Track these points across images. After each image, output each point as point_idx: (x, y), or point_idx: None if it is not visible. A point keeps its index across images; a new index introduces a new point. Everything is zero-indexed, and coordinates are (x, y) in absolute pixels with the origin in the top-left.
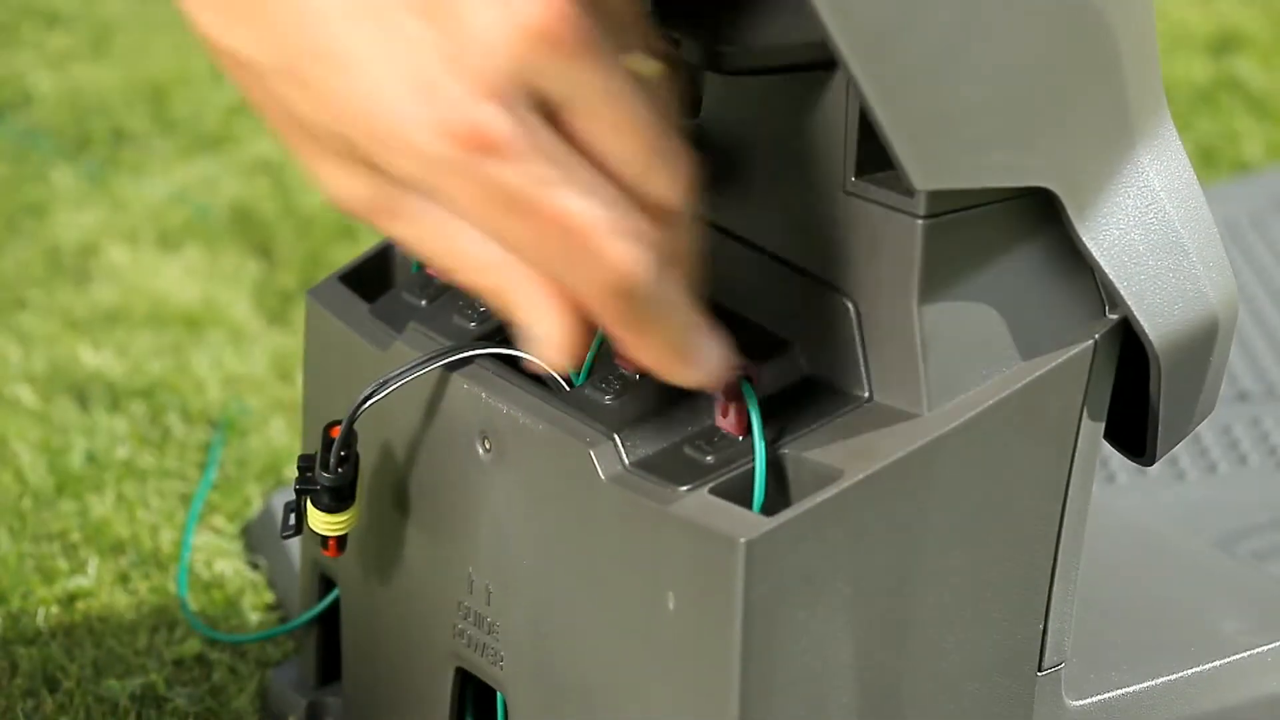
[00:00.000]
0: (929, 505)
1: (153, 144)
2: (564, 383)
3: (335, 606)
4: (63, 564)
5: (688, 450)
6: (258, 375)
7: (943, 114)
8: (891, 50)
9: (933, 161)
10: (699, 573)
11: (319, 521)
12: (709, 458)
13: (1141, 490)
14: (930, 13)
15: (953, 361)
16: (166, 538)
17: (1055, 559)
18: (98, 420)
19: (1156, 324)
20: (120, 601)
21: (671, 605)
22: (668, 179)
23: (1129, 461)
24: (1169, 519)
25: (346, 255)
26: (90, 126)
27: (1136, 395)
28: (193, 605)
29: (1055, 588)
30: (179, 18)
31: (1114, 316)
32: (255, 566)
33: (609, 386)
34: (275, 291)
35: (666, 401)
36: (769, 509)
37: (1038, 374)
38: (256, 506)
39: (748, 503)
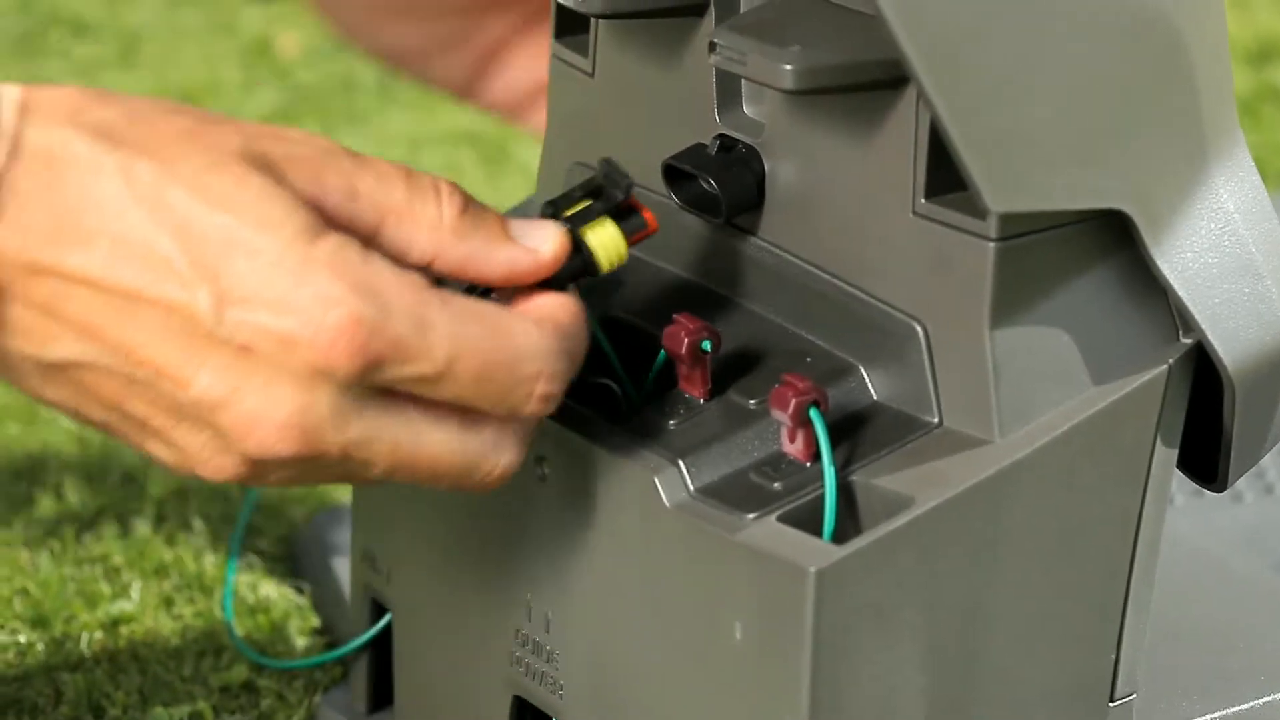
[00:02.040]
0: (1001, 533)
1: None
2: (621, 396)
3: (386, 632)
4: (105, 588)
5: (754, 477)
6: None
7: (1017, 133)
8: (965, 68)
9: (1007, 183)
10: (767, 602)
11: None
12: (776, 484)
13: (1198, 512)
14: (1005, 30)
15: (1025, 387)
16: (210, 560)
17: (1128, 588)
18: None
19: (1231, 348)
20: (165, 626)
21: (738, 635)
22: (518, 402)
23: (1185, 483)
24: (1226, 542)
25: None
26: None
27: (1207, 420)
28: (239, 630)
29: (1128, 617)
30: (207, 25)
31: (1188, 341)
32: (300, 590)
33: (671, 411)
34: None
35: (731, 426)
36: (839, 537)
37: (1111, 400)
38: (300, 529)
39: (817, 531)
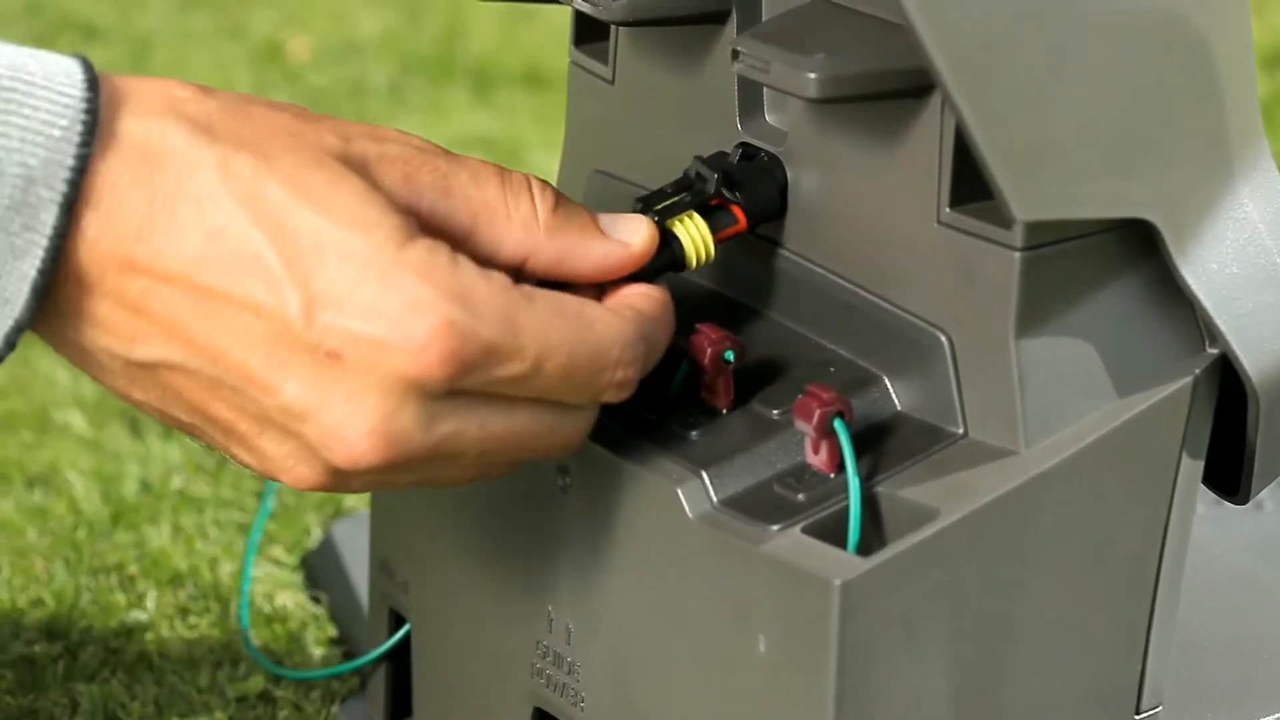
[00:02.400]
0: (1027, 545)
1: None
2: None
3: (405, 642)
4: (120, 597)
5: (778, 488)
6: None
7: (1043, 142)
8: (993, 77)
9: (1033, 192)
10: (792, 615)
11: (703, 236)
12: (800, 495)
13: (1218, 521)
14: (1032, 39)
15: (1050, 397)
16: (226, 569)
17: (1154, 599)
18: (151, 447)
19: (1255, 359)
20: (180, 636)
21: (762, 648)
22: (597, 392)
23: (1205, 492)
24: (1248, 551)
25: None
26: None
27: (1230, 432)
28: (255, 640)
29: (1154, 629)
30: (217, 29)
31: (1213, 351)
32: (316, 599)
33: (694, 421)
34: None
35: (754, 437)
36: (863, 549)
37: (1137, 410)
38: (316, 536)
39: (841, 542)
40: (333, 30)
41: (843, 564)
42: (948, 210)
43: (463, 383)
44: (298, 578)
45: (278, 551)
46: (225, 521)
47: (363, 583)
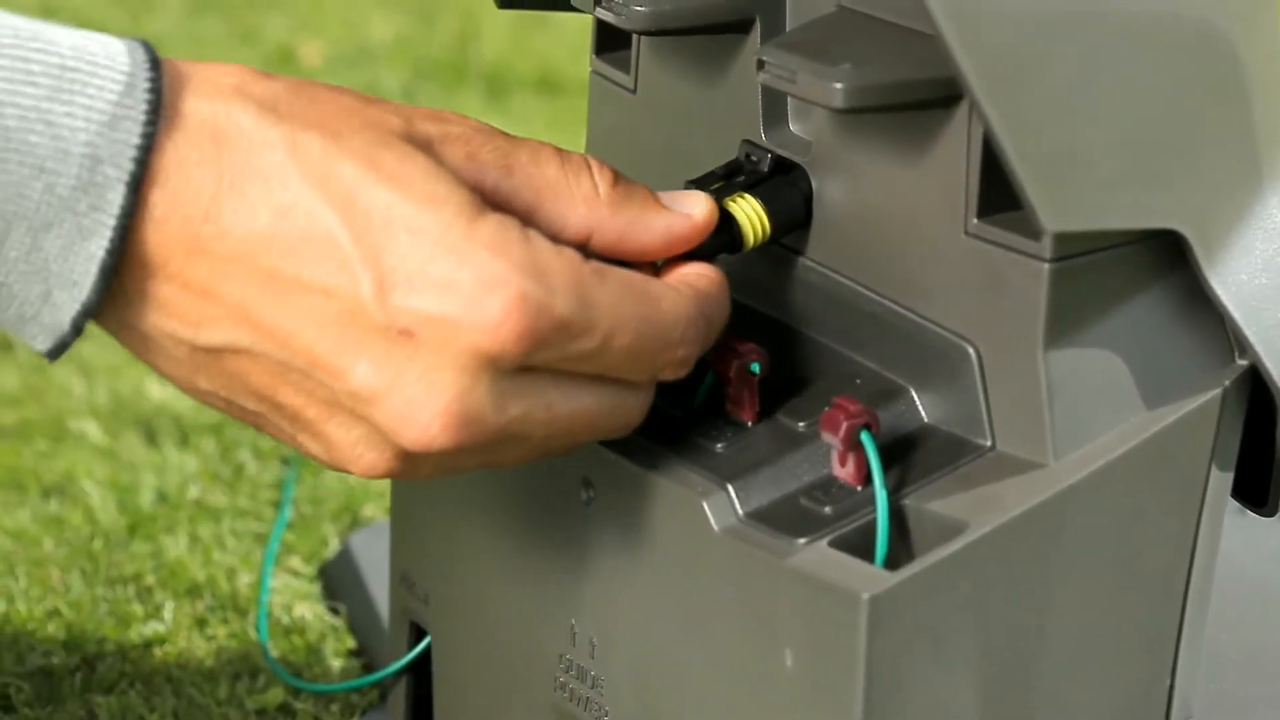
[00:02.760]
0: (1055, 558)
1: None
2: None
3: (425, 655)
4: (138, 608)
5: (804, 501)
6: None
7: (1074, 152)
8: (1022, 86)
9: (1063, 202)
10: (819, 629)
11: (759, 216)
12: (827, 508)
13: (1243, 531)
14: (1062, 48)
15: (1079, 409)
16: (244, 580)
17: (1183, 613)
18: (167, 457)
19: None
20: (198, 647)
21: (789, 662)
22: (657, 369)
23: (1231, 503)
24: (1275, 561)
25: None
26: None
27: (1259, 443)
28: (273, 651)
29: (1183, 642)
30: (229, 34)
31: (1243, 363)
32: (335, 610)
33: (719, 434)
34: None
35: (780, 450)
36: (891, 562)
37: (1166, 423)
38: (333, 547)
39: (869, 556)
40: (345, 35)
41: (871, 578)
42: (975, 221)
43: (534, 359)
44: (316, 588)
45: (295, 562)
46: (243, 531)
47: (381, 593)
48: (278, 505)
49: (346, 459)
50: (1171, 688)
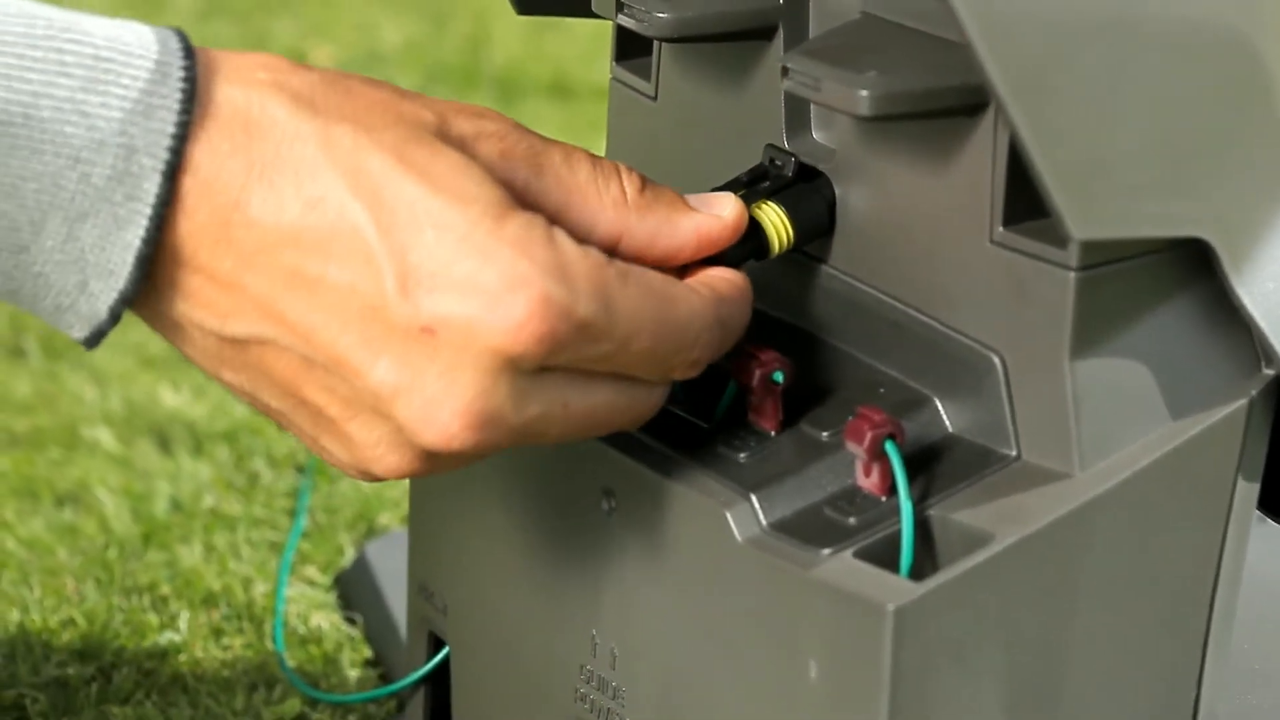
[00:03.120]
0: (1081, 569)
1: None
2: (697, 422)
3: (444, 665)
4: (153, 618)
5: (828, 511)
6: None
7: (1101, 159)
8: (1052, 93)
9: (1091, 209)
10: (844, 640)
11: (784, 221)
12: (851, 519)
13: (1268, 542)
14: (1091, 55)
15: (1105, 419)
16: (259, 590)
17: (1208, 624)
18: (181, 465)
19: None
20: (215, 657)
21: (813, 674)
22: (670, 370)
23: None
24: None
25: None
26: None
27: None
28: (290, 661)
29: (1208, 654)
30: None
31: (1270, 372)
32: (351, 621)
33: (742, 443)
34: None
35: (803, 460)
36: (916, 573)
37: (1193, 433)
38: (349, 556)
39: (894, 567)
40: (356, 39)
41: (896, 589)
42: (1001, 229)
43: (553, 360)
44: (332, 598)
45: (311, 571)
46: (258, 540)
47: (397, 602)
48: (293, 514)
49: (368, 460)
50: (1197, 700)
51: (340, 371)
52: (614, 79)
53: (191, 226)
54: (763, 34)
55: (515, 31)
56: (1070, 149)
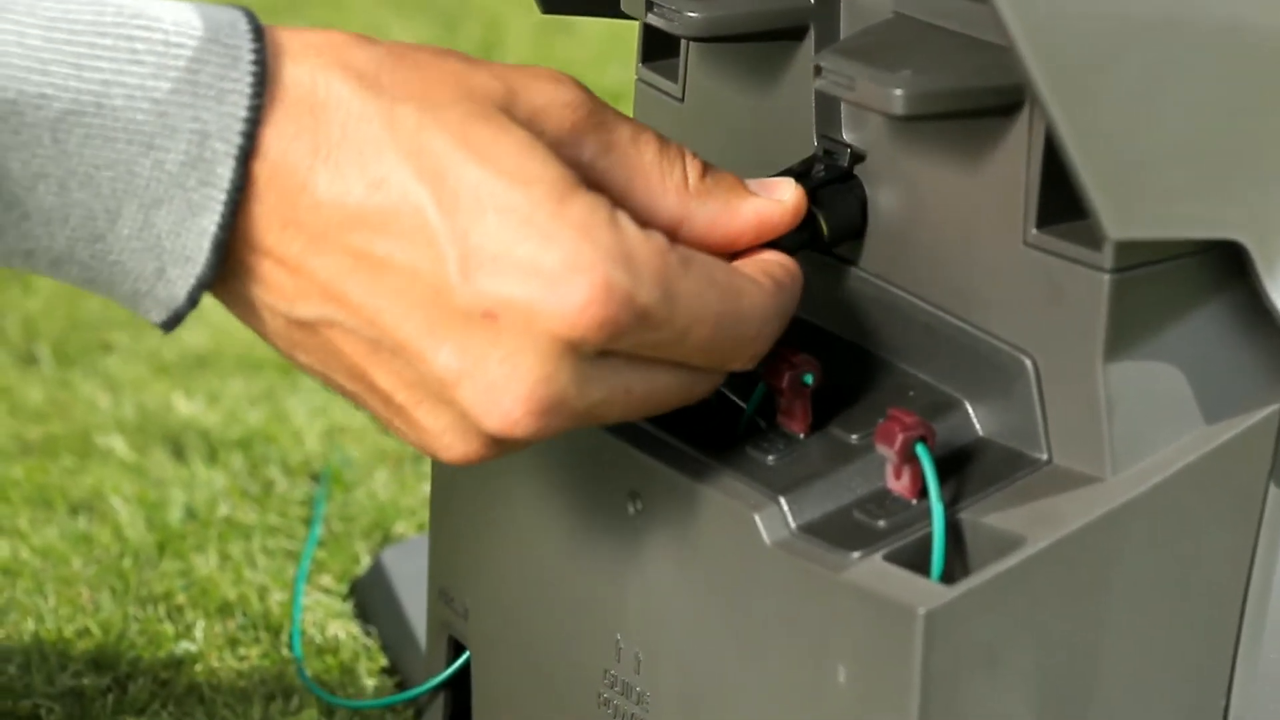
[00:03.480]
0: (1113, 574)
1: None
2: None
3: (464, 671)
4: (168, 628)
5: (858, 514)
6: (357, 424)
7: (1141, 160)
8: (1093, 93)
9: (1128, 209)
10: (874, 644)
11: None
12: (881, 522)
13: None
14: (1133, 54)
15: (1138, 423)
16: (275, 599)
17: (1239, 630)
18: (195, 473)
19: None
20: (231, 667)
21: (842, 678)
22: (729, 360)
23: None
24: None
25: None
26: None
27: None
28: (306, 671)
29: (1239, 660)
30: None
31: None
32: (368, 629)
33: (771, 446)
34: None
35: (832, 462)
36: (947, 577)
37: (1226, 437)
38: (365, 564)
39: (925, 570)
40: None
41: (927, 592)
42: (1035, 231)
43: (616, 345)
44: (348, 607)
45: (327, 580)
46: (274, 549)
47: (413, 610)
48: (308, 522)
49: (436, 446)
50: (1227, 706)
51: (405, 356)
52: (640, 80)
53: (262, 209)
54: (793, 34)
55: (526, 35)
56: (1110, 149)
